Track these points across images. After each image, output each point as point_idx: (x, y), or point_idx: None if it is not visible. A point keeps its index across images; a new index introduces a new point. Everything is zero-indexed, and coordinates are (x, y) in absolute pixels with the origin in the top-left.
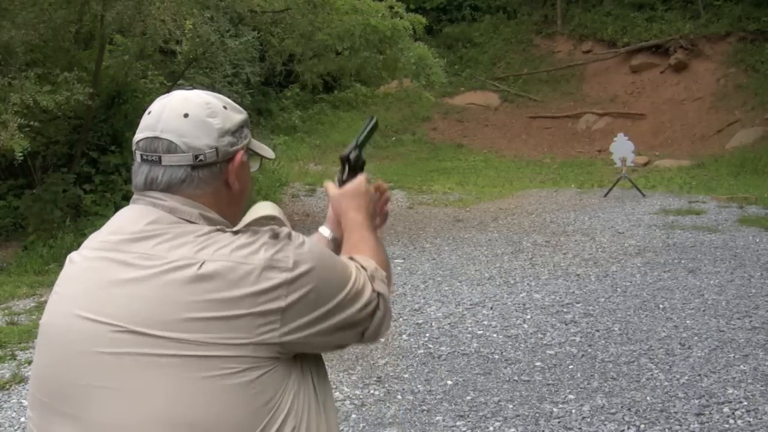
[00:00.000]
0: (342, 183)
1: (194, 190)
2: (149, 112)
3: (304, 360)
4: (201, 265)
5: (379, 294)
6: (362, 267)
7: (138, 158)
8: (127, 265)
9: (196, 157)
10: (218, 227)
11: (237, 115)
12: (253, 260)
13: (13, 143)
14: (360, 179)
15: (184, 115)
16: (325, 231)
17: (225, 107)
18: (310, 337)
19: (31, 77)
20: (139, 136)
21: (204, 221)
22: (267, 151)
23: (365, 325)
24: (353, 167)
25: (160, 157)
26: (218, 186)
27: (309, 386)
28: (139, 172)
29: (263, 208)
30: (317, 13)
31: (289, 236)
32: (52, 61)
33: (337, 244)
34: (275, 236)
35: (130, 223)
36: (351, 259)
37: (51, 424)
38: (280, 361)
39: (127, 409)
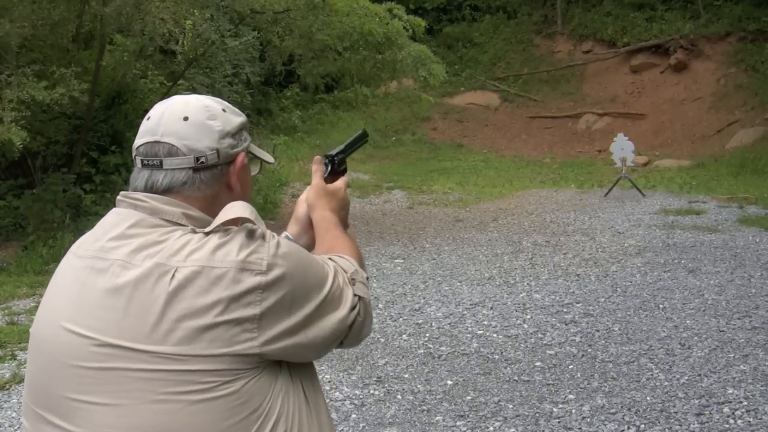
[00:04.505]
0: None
1: (194, 192)
2: (148, 118)
3: (291, 362)
4: (174, 273)
5: (360, 298)
6: (342, 269)
7: (138, 164)
8: (106, 274)
9: (198, 159)
10: (191, 228)
11: (236, 117)
12: (225, 263)
13: (11, 135)
14: (341, 183)
15: (184, 118)
16: (289, 238)
17: (224, 110)
18: (293, 348)
19: (29, 74)
20: (139, 141)
21: (187, 220)
22: (266, 156)
23: (346, 333)
24: (336, 169)
25: (161, 161)
26: (219, 188)
27: (298, 388)
28: (140, 177)
29: (235, 210)
30: (317, 15)
31: (263, 236)
32: (51, 60)
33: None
34: (250, 235)
35: (112, 228)
36: (330, 260)
37: None
38: (264, 366)
39: (110, 423)
